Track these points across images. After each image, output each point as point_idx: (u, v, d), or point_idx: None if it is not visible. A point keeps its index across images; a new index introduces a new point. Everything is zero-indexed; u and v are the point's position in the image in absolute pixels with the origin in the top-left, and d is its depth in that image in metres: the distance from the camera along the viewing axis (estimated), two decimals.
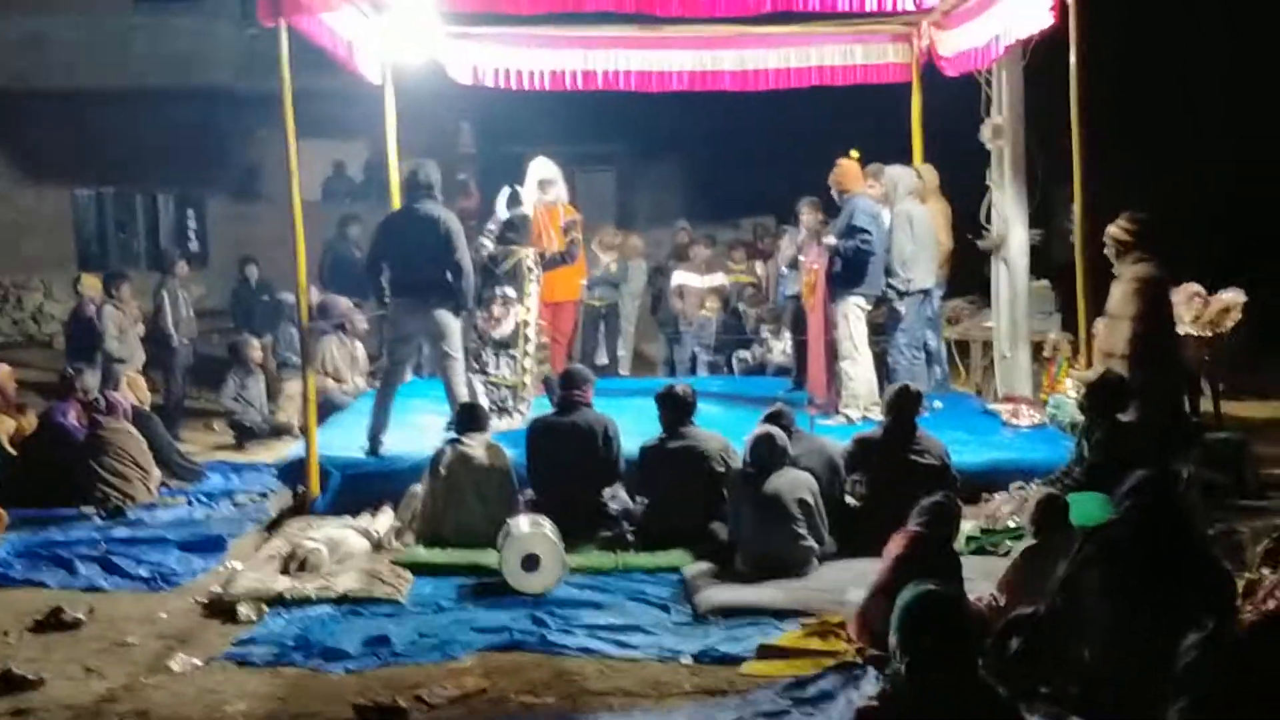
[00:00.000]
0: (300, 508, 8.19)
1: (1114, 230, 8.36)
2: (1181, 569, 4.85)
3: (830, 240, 9.34)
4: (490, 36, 11.27)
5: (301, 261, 8.23)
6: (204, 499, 9.09)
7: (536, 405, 9.37)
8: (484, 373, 9.42)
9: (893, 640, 3.68)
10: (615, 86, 11.45)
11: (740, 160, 18.69)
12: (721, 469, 7.31)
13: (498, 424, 8.96)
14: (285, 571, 6.85)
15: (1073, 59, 8.22)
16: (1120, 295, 8.26)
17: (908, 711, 3.59)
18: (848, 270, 9.30)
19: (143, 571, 7.23)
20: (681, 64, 11.44)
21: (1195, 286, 9.99)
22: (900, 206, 9.56)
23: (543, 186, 10.19)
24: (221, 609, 6.49)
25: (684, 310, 12.89)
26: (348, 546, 7.12)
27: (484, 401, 8.92)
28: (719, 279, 13.09)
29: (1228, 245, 14.49)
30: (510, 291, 9.54)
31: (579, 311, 11.54)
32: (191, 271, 13.54)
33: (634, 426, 7.99)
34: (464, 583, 6.82)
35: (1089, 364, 8.34)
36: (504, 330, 9.55)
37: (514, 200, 9.77)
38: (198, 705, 5.34)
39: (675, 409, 7.48)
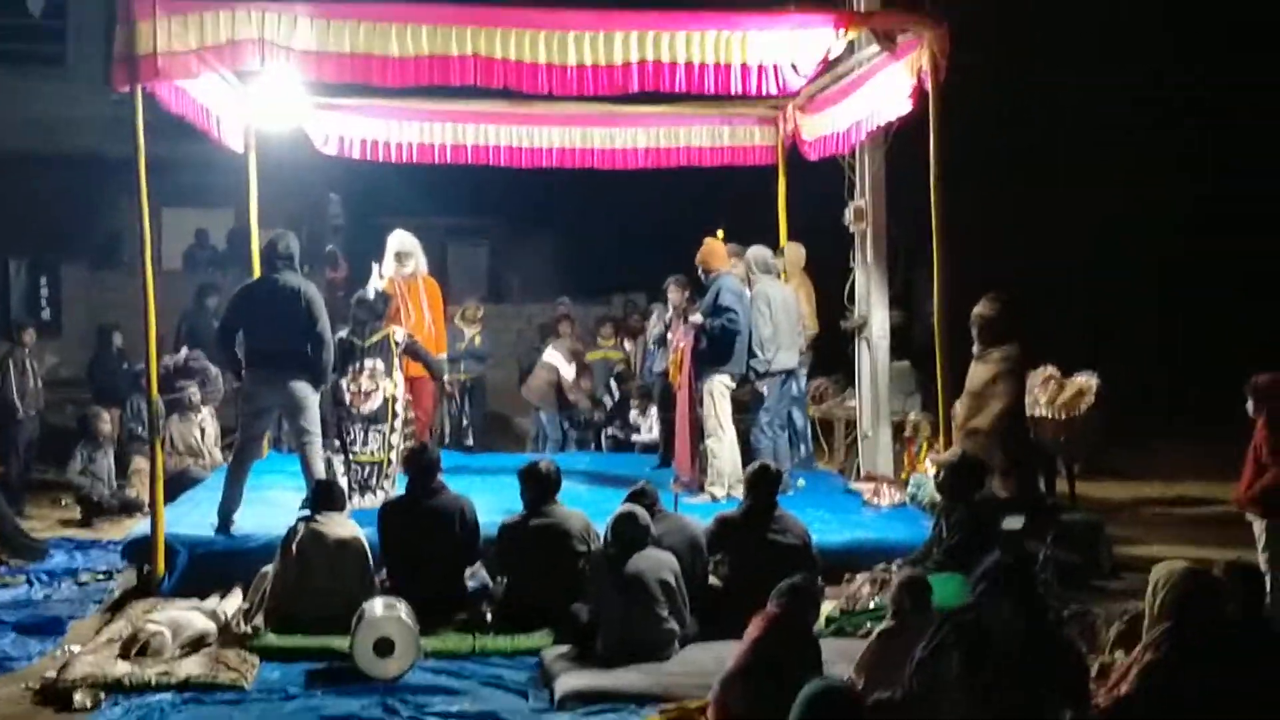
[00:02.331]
0: (145, 588, 7.86)
1: (981, 310, 8.52)
2: (1035, 653, 4.87)
3: (696, 318, 9.36)
4: (356, 108, 11.07)
5: (152, 332, 7.97)
6: (45, 578, 8.71)
7: (401, 482, 9.16)
8: (348, 449, 9.17)
9: None
10: (484, 161, 11.37)
11: (614, 237, 18.77)
12: (584, 548, 7.20)
13: (361, 501, 8.76)
14: (125, 656, 6.53)
15: (932, 146, 8.28)
16: (987, 375, 8.39)
17: None
18: (713, 348, 9.31)
19: None
20: (551, 140, 11.42)
21: (1051, 369, 10.21)
22: (758, 287, 9.55)
23: (400, 259, 10.06)
24: (55, 696, 6.15)
25: (557, 391, 12.69)
26: (192, 630, 6.82)
27: (342, 479, 8.69)
28: (584, 364, 12.92)
29: (1084, 326, 14.93)
30: (380, 365, 9.34)
31: (439, 388, 11.37)
32: (42, 341, 13.08)
33: (496, 503, 7.84)
34: (314, 668, 6.57)
35: (948, 444, 8.43)
36: (373, 405, 9.32)
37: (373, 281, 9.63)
38: None
39: (538, 486, 7.35)
